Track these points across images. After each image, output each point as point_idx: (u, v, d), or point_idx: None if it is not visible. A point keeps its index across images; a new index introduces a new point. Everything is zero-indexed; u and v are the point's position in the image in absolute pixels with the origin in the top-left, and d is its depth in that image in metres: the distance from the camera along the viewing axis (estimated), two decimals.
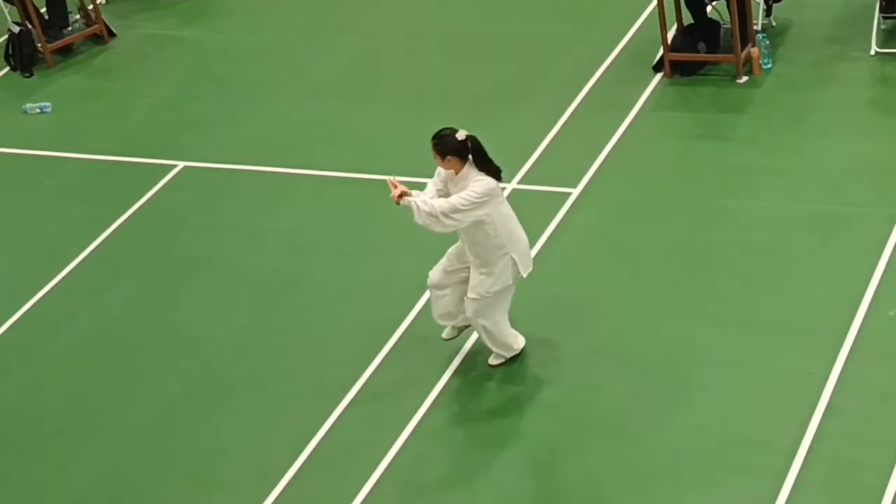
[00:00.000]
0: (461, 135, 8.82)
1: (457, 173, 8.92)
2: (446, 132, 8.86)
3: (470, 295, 9.09)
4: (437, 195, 9.05)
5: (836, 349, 9.05)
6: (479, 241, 8.97)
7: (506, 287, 9.11)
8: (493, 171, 8.96)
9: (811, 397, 8.71)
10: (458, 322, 9.52)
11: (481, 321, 9.13)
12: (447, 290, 9.36)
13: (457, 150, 8.84)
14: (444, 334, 9.63)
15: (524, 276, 9.14)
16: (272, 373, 9.78)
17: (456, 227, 8.84)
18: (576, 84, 12.39)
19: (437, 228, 8.82)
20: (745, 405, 8.78)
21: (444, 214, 8.73)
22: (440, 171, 9.06)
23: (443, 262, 9.35)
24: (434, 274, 9.36)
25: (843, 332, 9.17)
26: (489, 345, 9.32)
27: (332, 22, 14.23)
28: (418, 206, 8.71)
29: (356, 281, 10.45)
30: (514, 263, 9.05)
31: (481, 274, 9.05)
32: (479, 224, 8.89)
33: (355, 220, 11.13)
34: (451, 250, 9.33)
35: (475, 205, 8.79)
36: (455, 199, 8.77)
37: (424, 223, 8.78)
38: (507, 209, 9.05)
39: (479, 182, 8.81)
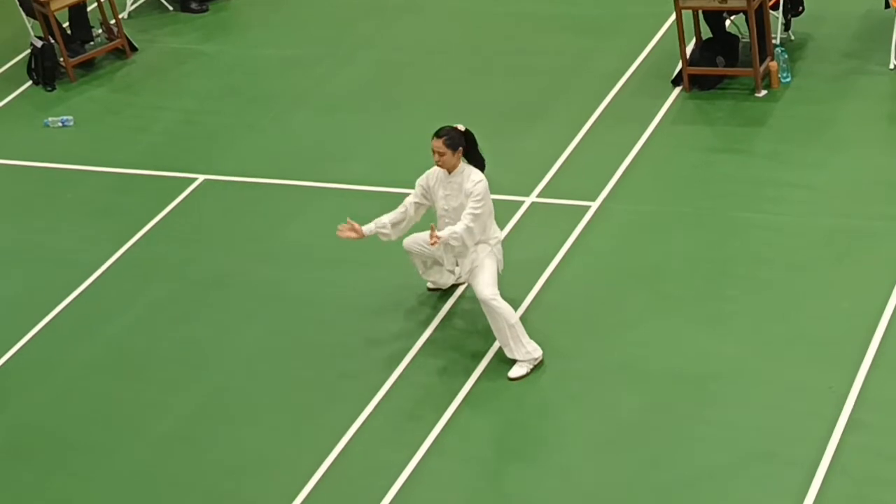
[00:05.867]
0: (461, 127, 9.31)
1: (452, 168, 9.31)
2: (449, 128, 9.29)
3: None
4: (416, 208, 9.58)
5: (858, 363, 9.03)
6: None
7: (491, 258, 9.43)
8: (481, 161, 9.45)
9: (832, 412, 8.70)
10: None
11: (490, 298, 9.22)
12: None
13: (462, 142, 9.30)
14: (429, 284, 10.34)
15: (499, 270, 9.52)
16: (293, 385, 9.79)
17: (476, 232, 9.24)
18: (595, 98, 12.40)
19: (472, 242, 9.24)
20: (765, 420, 8.76)
21: (468, 230, 9.17)
22: (420, 182, 9.50)
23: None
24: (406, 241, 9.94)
25: (864, 345, 9.16)
26: (508, 347, 9.36)
27: (352, 36, 14.26)
28: (455, 238, 9.16)
29: (375, 293, 10.46)
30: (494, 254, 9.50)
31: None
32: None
33: None
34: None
35: (483, 204, 9.20)
36: (468, 213, 9.16)
37: (462, 246, 9.25)
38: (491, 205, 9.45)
39: (479, 184, 9.20)
